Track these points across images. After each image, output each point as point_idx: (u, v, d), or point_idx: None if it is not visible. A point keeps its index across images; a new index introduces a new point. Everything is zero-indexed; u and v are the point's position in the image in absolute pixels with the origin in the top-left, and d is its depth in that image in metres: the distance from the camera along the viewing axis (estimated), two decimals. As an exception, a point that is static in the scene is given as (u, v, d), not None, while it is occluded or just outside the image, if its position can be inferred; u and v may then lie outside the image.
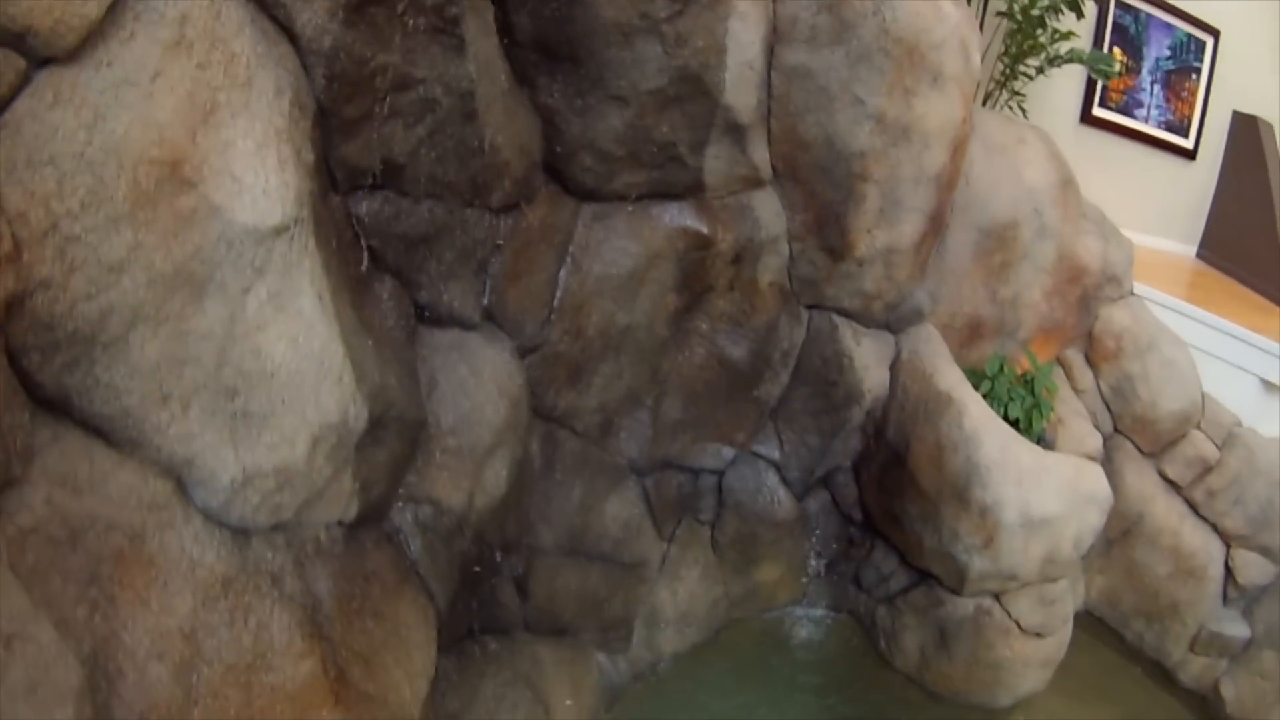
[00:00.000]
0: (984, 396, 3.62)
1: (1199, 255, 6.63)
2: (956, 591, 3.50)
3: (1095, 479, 3.48)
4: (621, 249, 2.98)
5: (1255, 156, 6.15)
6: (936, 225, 3.54)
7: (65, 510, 1.61)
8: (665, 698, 3.42)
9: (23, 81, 1.53)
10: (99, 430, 1.70)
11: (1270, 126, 6.29)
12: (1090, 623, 4.29)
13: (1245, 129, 6.33)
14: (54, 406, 1.65)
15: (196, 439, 1.78)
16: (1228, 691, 4.02)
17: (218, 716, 1.75)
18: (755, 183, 3.19)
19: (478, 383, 2.64)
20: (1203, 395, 4.18)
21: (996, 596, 3.49)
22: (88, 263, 1.59)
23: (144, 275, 1.65)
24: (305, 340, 1.88)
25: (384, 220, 2.38)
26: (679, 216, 3.06)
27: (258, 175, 1.77)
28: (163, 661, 1.68)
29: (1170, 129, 6.27)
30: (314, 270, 1.91)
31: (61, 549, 1.59)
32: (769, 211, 3.25)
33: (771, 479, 3.67)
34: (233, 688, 1.79)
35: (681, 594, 3.58)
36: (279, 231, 1.80)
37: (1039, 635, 3.54)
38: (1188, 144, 6.36)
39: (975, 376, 3.77)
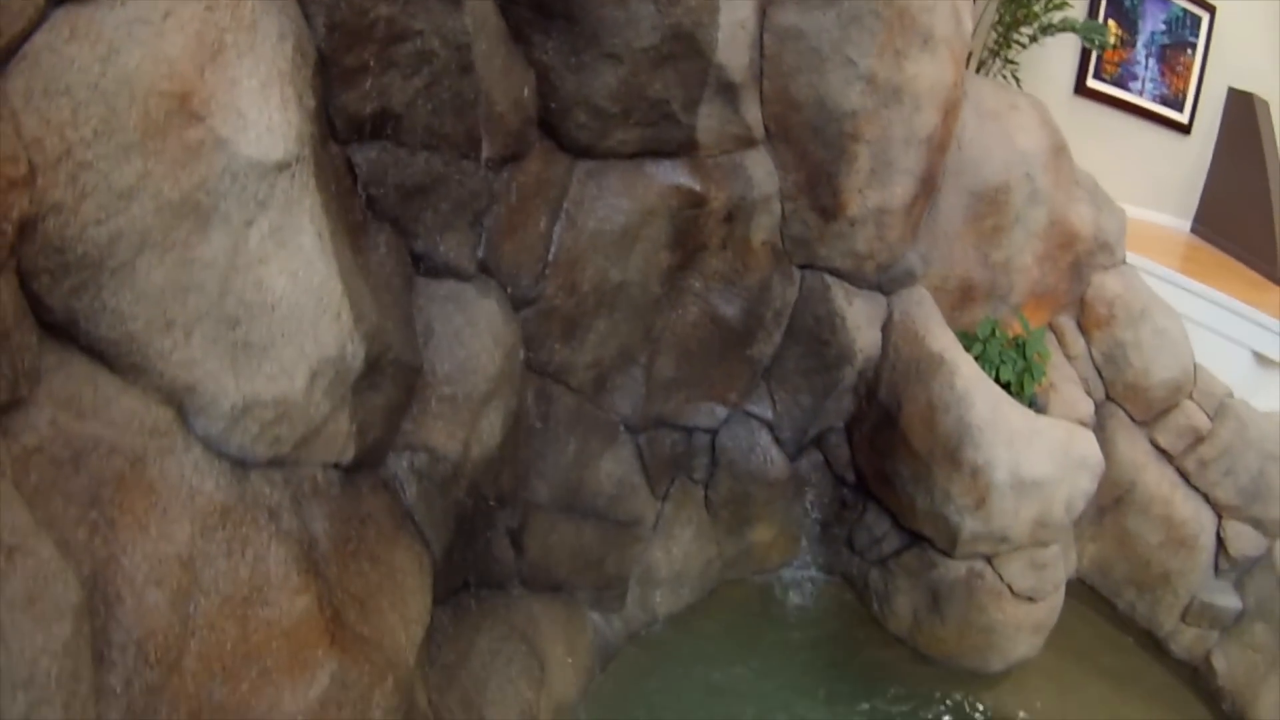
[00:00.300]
0: (975, 359, 3.62)
1: (1193, 230, 6.64)
2: (948, 553, 3.52)
3: (1087, 443, 3.47)
4: (615, 206, 3.00)
5: (1251, 133, 6.16)
6: (928, 187, 3.56)
7: (69, 432, 1.64)
8: (658, 660, 3.43)
9: (41, 17, 1.59)
10: (104, 355, 1.74)
11: (1266, 104, 6.29)
12: (1082, 591, 4.31)
13: (1241, 105, 6.34)
14: (61, 331, 1.69)
15: (198, 366, 1.81)
16: (1219, 663, 4.03)
17: (214, 650, 1.76)
18: (748, 142, 3.21)
19: (473, 332, 2.66)
20: (1195, 365, 4.19)
21: (988, 560, 3.50)
22: (99, 189, 1.63)
23: (152, 203, 1.69)
24: (305, 275, 1.92)
25: (381, 169, 2.41)
26: (672, 174, 3.08)
27: (262, 112, 1.81)
28: (160, 588, 1.70)
29: (1165, 103, 6.27)
30: (314, 209, 1.94)
31: (64, 470, 1.62)
32: (761, 170, 3.27)
33: (764, 439, 3.69)
34: (229, 620, 1.80)
35: (675, 554, 3.60)
36: (281, 167, 1.84)
37: (1031, 599, 3.55)
38: (1182, 118, 6.36)
39: (967, 339, 3.77)
